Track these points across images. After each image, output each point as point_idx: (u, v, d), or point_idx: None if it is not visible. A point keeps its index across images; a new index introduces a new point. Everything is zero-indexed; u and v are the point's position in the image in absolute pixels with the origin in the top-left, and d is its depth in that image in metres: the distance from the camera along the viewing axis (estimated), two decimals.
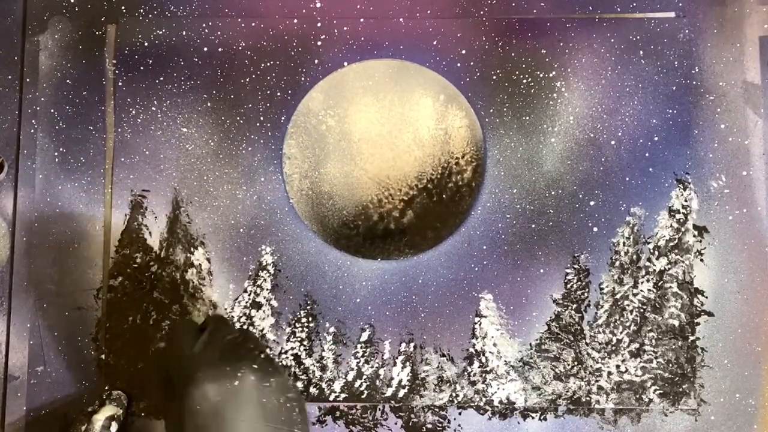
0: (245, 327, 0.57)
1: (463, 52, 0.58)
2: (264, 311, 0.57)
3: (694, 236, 0.57)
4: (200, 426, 0.45)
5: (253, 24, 0.59)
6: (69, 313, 0.57)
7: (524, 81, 0.58)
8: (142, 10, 0.59)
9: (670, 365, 0.56)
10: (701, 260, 0.57)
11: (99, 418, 0.52)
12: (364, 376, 0.57)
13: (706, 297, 0.57)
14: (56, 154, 0.58)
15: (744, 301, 0.57)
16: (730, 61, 0.58)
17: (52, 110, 0.58)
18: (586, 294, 0.57)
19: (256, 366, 0.47)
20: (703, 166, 0.58)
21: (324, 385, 0.56)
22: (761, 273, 0.57)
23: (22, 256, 0.57)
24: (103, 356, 0.57)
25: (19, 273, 0.57)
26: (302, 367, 0.57)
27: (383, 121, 0.60)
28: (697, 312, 0.57)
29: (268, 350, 0.51)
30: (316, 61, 0.59)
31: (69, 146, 0.58)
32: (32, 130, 0.58)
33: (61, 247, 0.57)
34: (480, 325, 0.57)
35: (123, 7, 0.59)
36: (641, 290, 0.57)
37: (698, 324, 0.57)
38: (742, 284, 0.57)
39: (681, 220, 0.57)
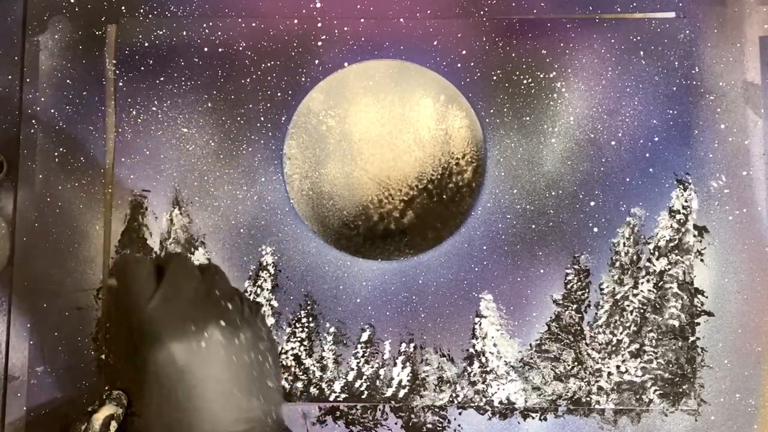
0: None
1: (464, 52, 0.58)
2: (264, 311, 0.57)
3: (695, 236, 0.57)
4: (166, 390, 0.41)
5: (254, 24, 0.59)
6: (69, 313, 0.57)
7: (524, 81, 0.58)
8: (142, 10, 0.59)
9: (671, 366, 0.56)
10: (701, 260, 0.57)
11: (99, 418, 0.52)
12: (365, 377, 0.57)
13: (706, 297, 0.57)
14: (56, 154, 0.58)
15: (744, 301, 0.57)
16: (730, 61, 0.58)
17: (52, 110, 0.58)
18: (586, 294, 0.57)
19: (223, 323, 0.43)
20: (703, 166, 0.58)
21: (324, 386, 0.56)
22: (761, 273, 0.57)
23: (22, 256, 0.57)
24: (103, 356, 0.57)
25: (19, 273, 0.57)
26: (302, 367, 0.57)
27: (384, 122, 0.60)
28: (697, 312, 0.57)
29: (234, 292, 0.46)
30: (316, 61, 0.59)
31: (69, 146, 0.58)
32: (32, 130, 0.58)
33: (61, 247, 0.57)
34: (480, 325, 0.57)
35: (123, 7, 0.59)
36: (641, 291, 0.57)
37: (698, 324, 0.57)
38: (742, 284, 0.57)
39: (681, 221, 0.57)
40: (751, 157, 0.58)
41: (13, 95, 0.59)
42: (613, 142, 0.58)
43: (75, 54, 0.59)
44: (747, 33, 0.59)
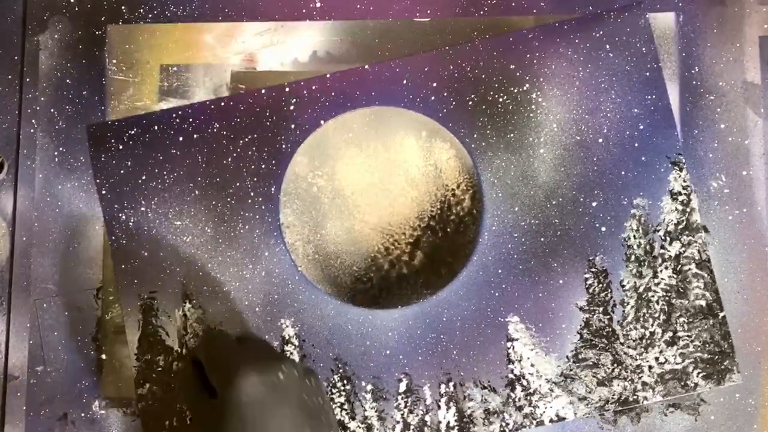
0: None
1: (434, 84, 0.58)
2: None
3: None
4: (244, 419, 0.45)
5: (222, 103, 0.58)
6: (69, 313, 0.57)
7: (500, 100, 0.58)
8: (141, 10, 0.59)
9: (707, 345, 0.56)
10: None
11: None
12: (412, 427, 0.56)
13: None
14: (56, 154, 0.58)
15: (744, 301, 0.57)
16: (729, 60, 0.58)
17: (52, 110, 0.59)
18: (609, 295, 0.57)
19: (297, 363, 0.50)
20: (702, 166, 0.58)
21: None
22: (761, 273, 0.57)
23: (22, 256, 0.57)
24: (103, 356, 0.57)
25: (19, 273, 0.57)
26: (349, 431, 0.56)
27: (372, 170, 0.59)
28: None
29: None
30: (292, 125, 0.58)
31: (69, 146, 0.58)
32: (32, 130, 0.58)
33: (61, 247, 0.58)
34: (513, 349, 0.56)
35: (123, 7, 0.59)
36: (662, 278, 0.57)
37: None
38: (742, 284, 0.57)
39: (684, 201, 0.57)
40: (750, 157, 0.58)
41: (13, 95, 0.59)
42: (600, 140, 0.58)
43: (75, 54, 0.59)
44: (746, 33, 0.59)
